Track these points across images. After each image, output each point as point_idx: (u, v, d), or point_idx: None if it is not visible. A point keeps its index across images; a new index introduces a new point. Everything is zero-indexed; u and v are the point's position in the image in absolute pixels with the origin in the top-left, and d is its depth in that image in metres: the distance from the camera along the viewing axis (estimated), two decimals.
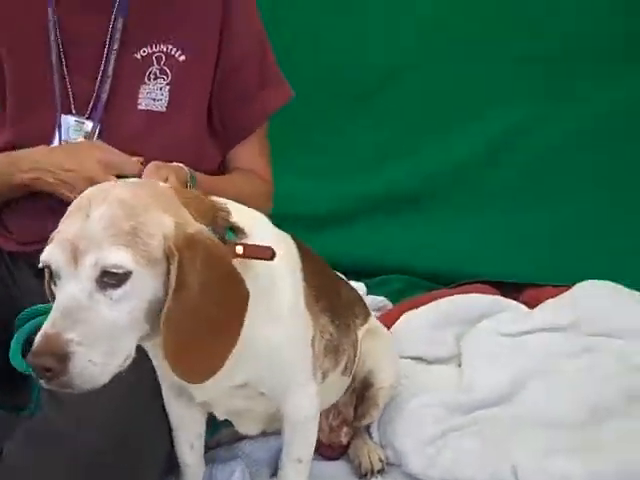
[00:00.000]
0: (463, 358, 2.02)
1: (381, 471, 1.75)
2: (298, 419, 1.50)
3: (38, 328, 1.61)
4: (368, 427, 1.85)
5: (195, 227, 1.22)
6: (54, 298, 1.26)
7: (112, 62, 1.75)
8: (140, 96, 1.77)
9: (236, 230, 1.31)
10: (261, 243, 1.30)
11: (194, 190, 1.48)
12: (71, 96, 1.77)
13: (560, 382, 1.89)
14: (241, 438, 1.80)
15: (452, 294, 2.33)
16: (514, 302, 2.26)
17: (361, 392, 1.80)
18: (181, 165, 1.63)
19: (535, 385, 1.89)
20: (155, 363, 1.45)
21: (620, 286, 2.25)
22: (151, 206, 1.21)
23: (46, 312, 1.64)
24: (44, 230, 1.25)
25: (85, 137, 1.76)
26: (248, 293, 1.22)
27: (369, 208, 2.80)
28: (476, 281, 2.45)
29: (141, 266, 1.17)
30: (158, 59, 1.78)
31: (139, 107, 1.77)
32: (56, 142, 1.77)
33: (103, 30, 1.75)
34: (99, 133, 1.76)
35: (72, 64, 1.77)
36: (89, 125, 1.76)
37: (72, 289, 1.17)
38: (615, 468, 1.55)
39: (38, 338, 1.15)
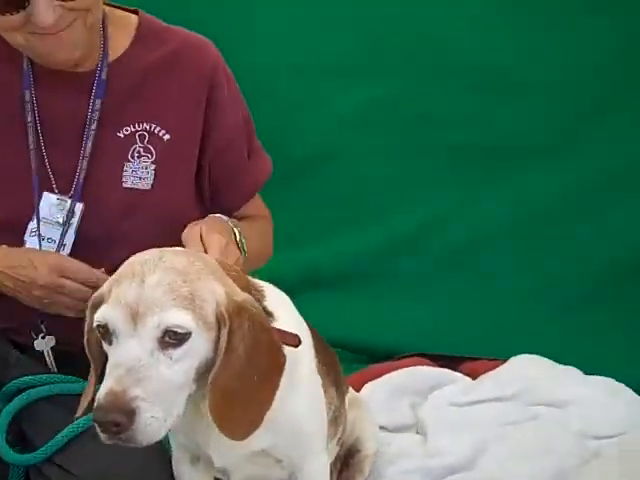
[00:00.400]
0: (425, 426, 2.15)
1: None
2: None
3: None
4: None
5: (243, 296, 1.32)
6: (95, 358, 1.38)
7: (90, 141, 1.76)
8: (125, 174, 1.79)
9: (267, 313, 1.40)
10: (287, 328, 1.40)
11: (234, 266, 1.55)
12: (51, 175, 1.77)
13: (516, 449, 2.05)
14: None
15: (396, 367, 2.48)
16: (459, 374, 2.43)
17: (346, 459, 1.88)
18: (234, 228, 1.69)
19: (494, 451, 2.03)
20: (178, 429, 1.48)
21: (546, 359, 2.48)
22: (203, 274, 1.30)
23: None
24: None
25: (67, 215, 1.76)
26: (285, 360, 1.32)
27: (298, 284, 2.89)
28: (414, 354, 2.61)
29: (199, 328, 1.26)
30: (141, 137, 1.80)
31: (124, 185, 1.78)
32: (34, 222, 1.77)
33: (83, 110, 1.76)
34: (82, 211, 1.77)
35: (51, 143, 1.77)
36: (69, 204, 1.76)
37: (134, 348, 1.23)
38: None
39: (104, 395, 1.19)
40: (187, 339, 1.25)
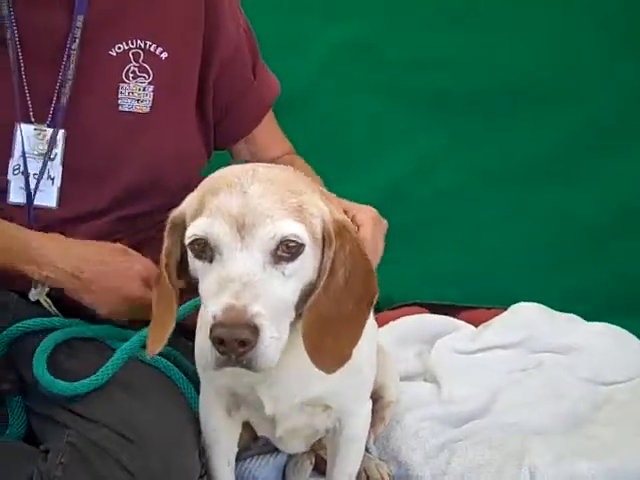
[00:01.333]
0: (435, 375, 2.11)
1: None
2: (356, 435, 1.52)
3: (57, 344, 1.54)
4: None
5: (344, 217, 1.24)
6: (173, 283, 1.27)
7: (73, 62, 1.62)
8: (120, 96, 1.66)
9: None
10: None
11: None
12: (29, 102, 1.64)
13: (528, 395, 2.04)
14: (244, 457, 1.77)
15: (393, 317, 2.43)
16: (463, 322, 2.40)
17: None
18: None
19: (507, 398, 2.02)
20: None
21: (546, 307, 2.47)
22: (307, 188, 1.22)
23: (42, 328, 1.57)
24: None
25: (49, 147, 1.64)
26: (378, 290, 1.24)
27: None
28: (411, 304, 2.56)
29: (311, 242, 1.18)
30: (136, 56, 1.67)
31: (120, 109, 1.66)
32: (17, 154, 1.64)
33: (64, 28, 1.62)
34: (65, 140, 1.64)
35: (31, 65, 1.62)
36: (49, 132, 1.64)
37: (246, 262, 1.13)
38: (617, 467, 1.71)
39: (223, 310, 1.09)
40: (300, 253, 1.16)
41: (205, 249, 1.16)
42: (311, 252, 1.19)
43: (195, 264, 1.20)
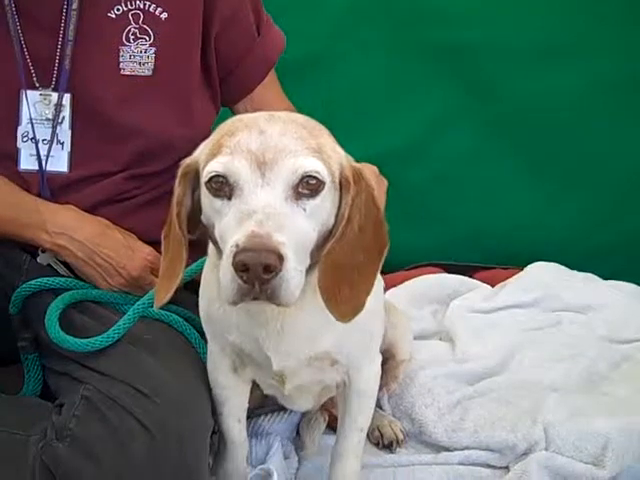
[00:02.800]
0: (451, 333, 2.10)
1: (402, 441, 1.80)
2: (366, 389, 1.52)
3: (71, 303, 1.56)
4: (378, 400, 1.88)
5: (360, 164, 1.24)
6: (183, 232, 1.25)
7: (72, 24, 1.59)
8: (122, 60, 1.63)
9: None
10: None
11: None
12: (31, 67, 1.62)
13: (545, 353, 2.03)
14: (258, 415, 1.78)
15: (408, 277, 2.43)
16: (478, 282, 2.38)
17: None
18: None
19: (523, 356, 2.01)
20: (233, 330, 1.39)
21: (563, 266, 2.45)
22: (323, 132, 1.22)
23: (56, 287, 1.58)
24: None
25: (56, 111, 1.63)
26: (388, 242, 1.24)
27: None
28: (427, 264, 2.55)
29: (330, 183, 1.18)
30: (135, 17, 1.64)
31: (122, 72, 1.64)
32: (25, 121, 1.63)
33: None
34: (72, 104, 1.63)
35: (31, 30, 1.60)
36: (55, 97, 1.62)
37: (267, 196, 1.12)
38: (634, 424, 1.70)
39: (247, 237, 1.08)
40: (321, 191, 1.16)
41: (223, 187, 1.16)
42: (330, 193, 1.18)
43: (213, 203, 1.18)
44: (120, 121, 1.64)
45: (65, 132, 1.65)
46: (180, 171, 1.26)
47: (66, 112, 1.64)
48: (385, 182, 1.56)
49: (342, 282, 1.20)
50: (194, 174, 1.25)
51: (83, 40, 1.61)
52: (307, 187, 1.15)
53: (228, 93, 1.81)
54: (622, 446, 1.65)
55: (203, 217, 1.25)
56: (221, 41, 1.73)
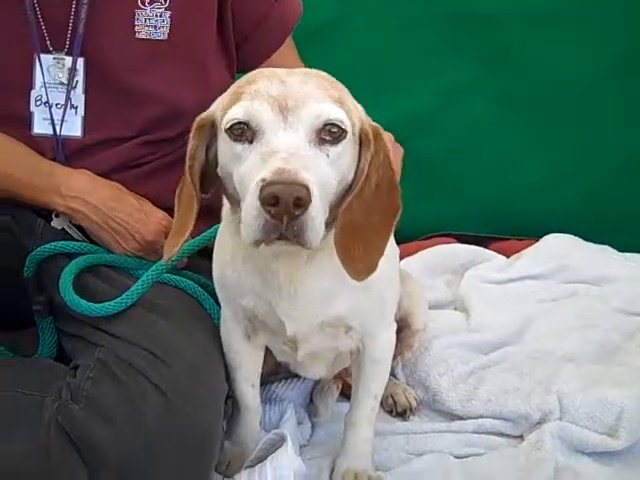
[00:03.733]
0: (465, 303, 2.10)
1: (415, 409, 1.80)
2: (380, 357, 1.52)
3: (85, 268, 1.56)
4: (392, 369, 1.88)
5: (376, 124, 1.24)
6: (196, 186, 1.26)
7: None
8: (137, 23, 1.61)
9: None
10: None
11: None
12: (44, 30, 1.60)
13: (560, 323, 2.02)
14: (272, 381, 1.78)
15: (422, 247, 2.41)
16: (493, 252, 2.37)
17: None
18: None
19: (538, 326, 2.01)
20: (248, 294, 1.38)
21: (578, 238, 2.43)
22: (344, 88, 1.22)
23: (73, 251, 1.58)
24: None
25: (69, 76, 1.61)
26: (401, 206, 1.24)
27: None
28: (441, 234, 2.54)
29: (350, 134, 1.18)
30: None
31: (137, 36, 1.61)
32: (38, 84, 1.62)
33: None
34: (86, 68, 1.61)
35: None
36: (69, 61, 1.61)
37: (290, 138, 1.12)
38: None
39: (274, 172, 1.07)
40: (343, 139, 1.16)
41: (245, 132, 1.15)
42: (350, 145, 1.18)
43: (233, 149, 1.17)
44: (134, 86, 1.63)
45: (79, 96, 1.64)
46: (195, 124, 1.26)
47: (80, 76, 1.62)
48: (401, 150, 1.55)
49: (357, 240, 1.20)
50: (209, 127, 1.24)
51: (98, 3, 1.59)
52: (330, 134, 1.15)
53: (244, 59, 1.79)
54: (637, 416, 1.63)
55: (219, 169, 1.24)
56: (238, 6, 1.70)
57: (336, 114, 1.15)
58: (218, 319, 1.56)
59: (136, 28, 1.62)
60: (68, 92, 1.63)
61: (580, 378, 1.76)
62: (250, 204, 1.09)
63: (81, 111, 1.64)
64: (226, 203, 1.38)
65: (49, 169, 1.61)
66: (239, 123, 1.15)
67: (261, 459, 1.45)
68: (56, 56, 1.61)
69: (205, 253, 1.61)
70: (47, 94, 1.62)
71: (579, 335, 1.96)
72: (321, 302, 1.35)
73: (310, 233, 1.09)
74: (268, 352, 1.57)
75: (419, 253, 2.33)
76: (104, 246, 1.63)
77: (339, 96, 1.18)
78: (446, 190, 2.67)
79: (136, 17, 1.61)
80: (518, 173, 2.63)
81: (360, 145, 1.21)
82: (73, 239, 1.66)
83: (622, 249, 2.41)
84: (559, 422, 1.66)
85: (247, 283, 1.35)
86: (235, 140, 1.16)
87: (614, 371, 1.81)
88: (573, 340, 1.94)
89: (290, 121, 1.13)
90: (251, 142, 1.15)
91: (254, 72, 1.23)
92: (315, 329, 1.41)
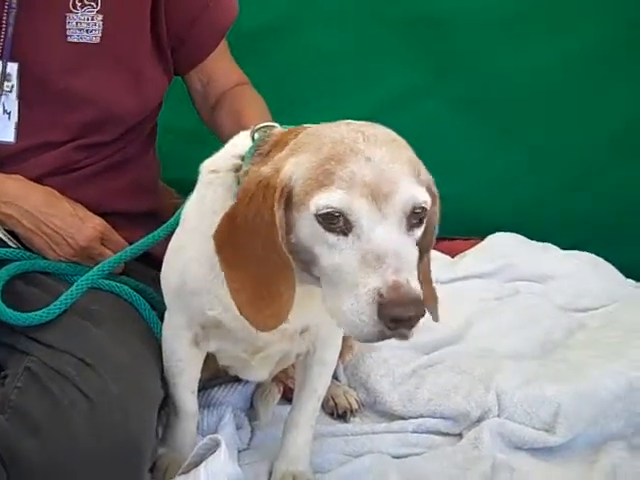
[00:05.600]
0: None
1: (356, 411, 1.80)
2: (328, 359, 1.54)
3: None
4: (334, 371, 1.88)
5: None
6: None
7: None
8: (68, 27, 1.60)
9: None
10: None
11: None
12: None
13: (502, 322, 2.04)
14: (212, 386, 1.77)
15: None
16: (438, 252, 2.38)
17: None
18: None
19: (480, 325, 2.03)
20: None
21: (522, 237, 2.46)
22: (407, 144, 1.20)
23: (5, 257, 1.55)
24: None
25: (1, 80, 1.58)
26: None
27: None
28: None
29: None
30: None
31: (69, 39, 1.60)
32: None
33: None
34: (19, 73, 1.59)
35: None
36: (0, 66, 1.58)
37: (391, 234, 1.11)
38: (586, 390, 1.70)
39: (392, 287, 1.07)
40: (425, 217, 1.16)
41: (338, 221, 1.12)
42: None
43: (325, 237, 1.13)
44: (68, 90, 1.62)
45: (12, 102, 1.61)
46: (277, 195, 1.16)
47: (14, 81, 1.60)
48: None
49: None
50: (288, 196, 1.17)
51: (27, 7, 1.57)
52: (415, 216, 1.14)
53: (179, 62, 1.79)
54: (573, 412, 1.66)
55: (295, 238, 1.18)
56: (171, 7, 1.69)
57: (422, 197, 1.14)
58: (155, 325, 1.55)
59: (67, 32, 1.60)
60: (0, 97, 1.60)
61: (519, 375, 1.77)
62: (361, 312, 1.09)
63: (14, 117, 1.62)
64: (193, 209, 1.37)
65: None
66: (334, 213, 1.12)
67: (196, 464, 1.43)
68: None
69: (143, 258, 1.60)
70: None
71: (520, 333, 1.98)
72: (299, 315, 1.30)
73: (414, 332, 1.12)
74: (209, 357, 1.57)
75: None
76: (38, 252, 1.61)
77: (416, 167, 1.17)
78: None
79: (67, 21, 1.60)
80: (464, 174, 2.63)
81: None
82: (7, 246, 1.63)
83: (566, 247, 2.44)
84: (497, 419, 1.68)
85: (220, 295, 1.32)
86: (327, 229, 1.13)
87: (553, 367, 1.84)
88: (514, 338, 1.96)
89: (384, 211, 1.11)
90: (346, 234, 1.12)
91: (324, 135, 1.18)
92: (282, 336, 1.41)
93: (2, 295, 1.49)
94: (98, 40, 1.62)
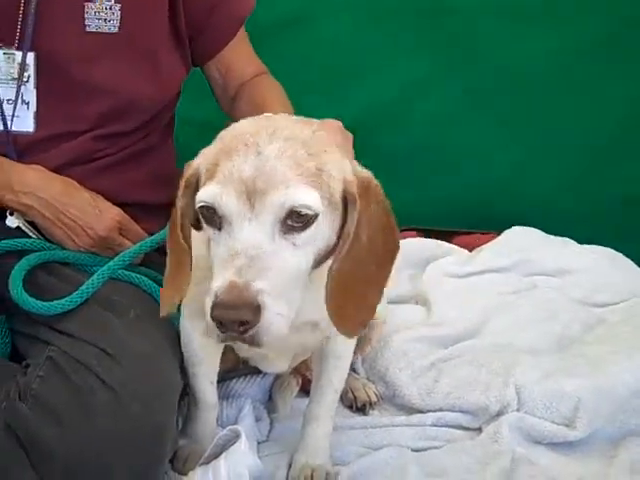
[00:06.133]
0: (426, 297, 2.10)
1: (375, 404, 1.80)
2: (342, 352, 1.52)
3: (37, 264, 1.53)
4: (352, 364, 1.87)
5: (367, 173, 1.19)
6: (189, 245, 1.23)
7: None
8: (87, 16, 1.60)
9: None
10: None
11: None
12: None
13: (520, 316, 2.02)
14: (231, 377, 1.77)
15: None
16: (455, 246, 2.38)
17: None
18: None
19: (498, 320, 2.01)
20: None
21: (540, 231, 2.44)
22: (329, 146, 1.16)
23: (26, 248, 1.56)
24: None
25: (20, 71, 1.59)
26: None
27: None
28: (404, 229, 2.53)
29: (326, 209, 1.12)
30: None
31: (87, 29, 1.60)
32: None
33: None
34: (37, 63, 1.60)
35: None
36: (19, 56, 1.59)
37: (254, 234, 1.08)
38: (605, 385, 1.69)
39: (226, 288, 1.05)
40: (313, 222, 1.11)
41: (214, 216, 1.12)
42: (327, 218, 1.13)
43: (206, 230, 1.16)
44: (86, 80, 1.62)
45: (30, 91, 1.62)
46: (182, 183, 1.22)
47: (31, 71, 1.61)
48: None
49: (351, 298, 1.18)
50: (195, 186, 1.19)
51: None
52: (297, 220, 1.10)
53: (197, 52, 1.79)
54: (593, 407, 1.65)
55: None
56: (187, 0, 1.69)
57: (304, 200, 1.09)
58: (173, 315, 1.55)
59: (86, 22, 1.60)
60: (19, 87, 1.61)
61: (538, 369, 1.77)
62: (206, 311, 1.09)
63: (33, 106, 1.62)
64: None
65: (3, 166, 1.58)
66: (209, 207, 1.12)
67: (216, 456, 1.44)
68: (6, 51, 1.60)
69: (162, 248, 1.60)
70: None
71: (538, 327, 1.97)
72: (303, 310, 1.27)
73: (265, 339, 1.08)
74: (227, 348, 1.57)
75: None
76: (58, 242, 1.61)
77: (318, 166, 1.12)
78: (410, 184, 2.65)
79: (86, 10, 1.60)
80: (483, 167, 2.62)
81: (345, 204, 1.16)
82: (28, 237, 1.64)
83: (584, 241, 2.42)
84: (517, 413, 1.67)
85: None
86: (207, 222, 1.14)
87: (572, 362, 1.82)
88: (532, 332, 1.94)
89: (257, 210, 1.08)
90: (220, 229, 1.13)
91: (240, 130, 1.16)
92: (293, 329, 1.40)
93: (24, 285, 1.49)
94: (116, 30, 1.62)
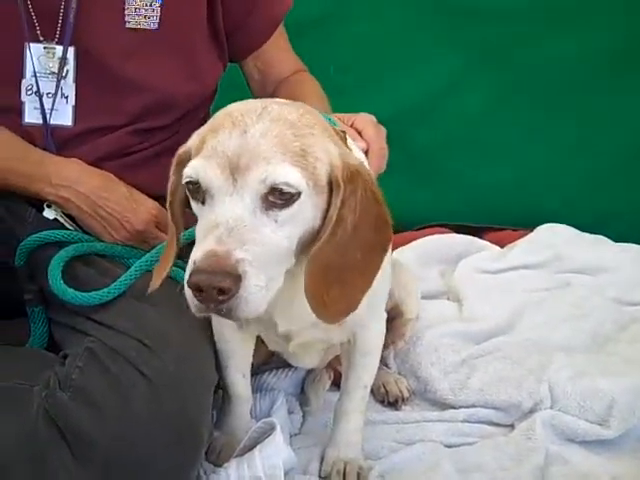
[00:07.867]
0: (458, 293, 2.10)
1: (407, 399, 1.80)
2: (370, 348, 1.52)
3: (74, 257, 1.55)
4: (384, 358, 1.88)
5: (356, 159, 1.19)
6: (177, 221, 1.27)
7: None
8: (127, 12, 1.61)
9: None
10: None
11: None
12: (35, 19, 1.59)
13: (552, 313, 2.02)
14: (264, 371, 1.78)
15: (416, 237, 2.41)
16: (487, 243, 2.37)
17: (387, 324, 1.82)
18: None
19: (530, 316, 2.00)
20: None
21: (572, 228, 2.43)
22: (316, 129, 1.16)
23: (60, 240, 1.58)
24: None
25: (60, 65, 1.61)
26: (392, 238, 1.21)
27: None
28: (435, 225, 2.53)
29: (309, 190, 1.12)
30: None
31: (127, 25, 1.62)
32: (29, 74, 1.62)
33: None
34: (76, 58, 1.61)
35: None
36: (59, 50, 1.61)
37: (234, 207, 1.09)
38: (637, 385, 1.68)
39: (204, 255, 1.05)
40: (295, 200, 1.11)
41: (199, 190, 1.13)
42: (311, 199, 1.14)
43: (192, 204, 1.17)
44: (124, 75, 1.63)
45: (69, 86, 1.63)
46: (174, 160, 1.24)
47: (70, 66, 1.62)
48: (384, 130, 1.53)
49: (331, 284, 1.17)
50: (186, 164, 1.20)
51: None
52: (279, 197, 1.10)
53: (235, 49, 1.79)
54: (627, 406, 1.64)
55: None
56: None
57: (285, 177, 1.09)
58: None
59: (126, 18, 1.62)
60: (58, 81, 1.63)
61: (571, 367, 1.76)
62: (185, 277, 1.09)
63: (72, 100, 1.64)
64: None
65: (39, 158, 1.60)
66: (193, 181, 1.13)
67: (250, 448, 1.45)
68: (46, 45, 1.61)
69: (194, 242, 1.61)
70: (37, 84, 1.62)
71: (571, 325, 1.96)
72: None
73: (242, 311, 1.08)
74: (260, 342, 1.58)
75: (414, 243, 2.33)
76: (95, 235, 1.63)
77: (303, 147, 1.12)
78: (442, 180, 2.67)
79: (126, 6, 1.61)
80: (514, 164, 2.63)
81: (331, 189, 1.16)
82: (65, 229, 1.66)
83: (616, 239, 2.41)
84: (550, 411, 1.66)
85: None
86: (192, 197, 1.16)
87: (606, 361, 1.82)
88: (565, 330, 1.93)
89: (239, 185, 1.09)
90: (203, 203, 1.14)
91: (229, 110, 1.17)
92: (307, 326, 1.40)
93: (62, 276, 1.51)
94: (156, 26, 1.63)
